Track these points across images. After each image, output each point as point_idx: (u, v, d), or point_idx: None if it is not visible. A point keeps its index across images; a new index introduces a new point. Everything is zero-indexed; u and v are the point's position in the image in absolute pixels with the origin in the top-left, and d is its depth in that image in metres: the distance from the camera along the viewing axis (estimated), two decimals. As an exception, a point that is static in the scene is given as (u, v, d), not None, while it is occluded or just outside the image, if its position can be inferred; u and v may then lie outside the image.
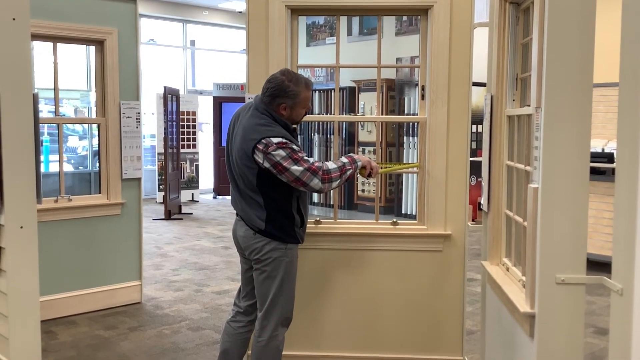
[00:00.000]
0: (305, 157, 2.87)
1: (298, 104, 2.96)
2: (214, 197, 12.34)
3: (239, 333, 3.21)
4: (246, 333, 3.21)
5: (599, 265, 5.19)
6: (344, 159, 3.02)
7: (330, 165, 2.94)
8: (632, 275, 1.58)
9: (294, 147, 2.86)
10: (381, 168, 3.30)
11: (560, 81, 2.08)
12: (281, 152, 2.83)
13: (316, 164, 2.88)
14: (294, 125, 3.06)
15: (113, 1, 4.81)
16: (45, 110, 9.92)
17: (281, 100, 2.93)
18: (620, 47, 1.64)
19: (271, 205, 2.96)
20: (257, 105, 2.97)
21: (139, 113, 4.98)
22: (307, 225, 3.57)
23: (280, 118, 2.95)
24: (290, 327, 3.12)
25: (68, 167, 11.07)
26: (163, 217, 9.67)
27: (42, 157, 2.75)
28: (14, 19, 2.22)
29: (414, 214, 8.44)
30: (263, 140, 2.84)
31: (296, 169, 2.83)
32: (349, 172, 2.98)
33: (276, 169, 2.84)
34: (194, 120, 11.74)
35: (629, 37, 1.60)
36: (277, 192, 2.95)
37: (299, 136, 3.24)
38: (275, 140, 2.84)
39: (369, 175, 3.09)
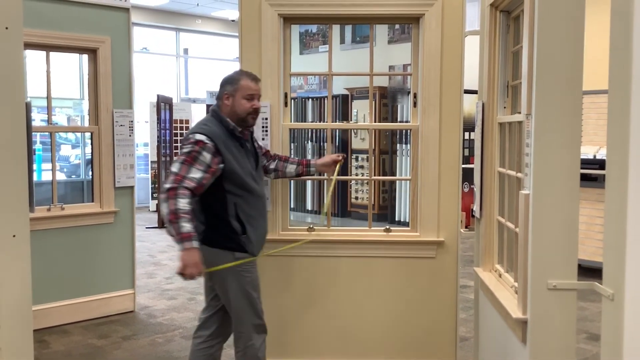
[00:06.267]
0: (194, 170, 2.76)
1: (238, 91, 2.96)
2: (208, 205, 12.31)
3: (199, 349, 3.10)
4: (206, 349, 3.09)
5: (592, 272, 5.22)
6: (185, 229, 2.69)
7: (180, 204, 2.70)
8: (622, 280, 1.59)
9: (202, 156, 2.79)
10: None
11: (551, 88, 2.10)
12: (188, 148, 2.82)
13: (185, 182, 2.73)
14: (249, 127, 3.01)
15: (106, 10, 4.81)
16: (38, 118, 9.90)
17: (224, 89, 2.99)
18: (609, 54, 1.66)
19: (207, 210, 2.93)
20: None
21: (132, 121, 4.98)
22: (301, 232, 3.58)
23: (225, 119, 2.95)
24: (284, 334, 3.12)
25: (61, 176, 11.04)
26: (156, 225, 9.64)
27: (34, 166, 2.75)
28: (6, 28, 2.22)
29: (407, 221, 8.46)
30: (190, 135, 2.88)
31: (176, 166, 2.78)
32: (169, 227, 2.72)
33: (175, 157, 2.84)
34: (187, 128, 11.74)
35: (617, 44, 1.62)
36: (210, 196, 2.89)
37: (255, 142, 3.17)
38: (198, 137, 2.85)
39: (181, 274, 2.75)
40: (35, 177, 2.49)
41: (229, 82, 3.00)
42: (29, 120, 2.34)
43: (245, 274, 2.98)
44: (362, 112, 9.66)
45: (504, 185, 2.94)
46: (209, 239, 2.90)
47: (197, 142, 2.82)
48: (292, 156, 3.47)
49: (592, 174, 5.97)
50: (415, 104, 3.54)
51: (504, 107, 2.98)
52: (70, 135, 12.33)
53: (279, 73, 3.49)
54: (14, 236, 2.29)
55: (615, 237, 1.63)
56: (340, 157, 3.38)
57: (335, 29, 9.97)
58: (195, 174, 2.78)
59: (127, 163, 4.96)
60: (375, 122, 8.56)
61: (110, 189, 4.90)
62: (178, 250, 2.74)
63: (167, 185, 2.75)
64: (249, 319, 3.00)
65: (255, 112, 3.01)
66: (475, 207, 3.22)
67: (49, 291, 4.64)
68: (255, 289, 3.03)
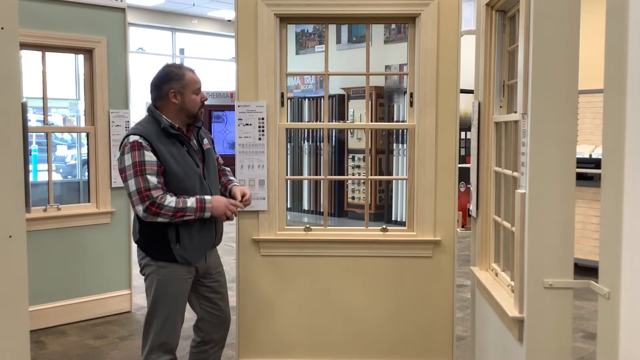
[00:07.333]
0: (150, 177, 2.68)
1: (186, 87, 2.82)
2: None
3: (192, 353, 3.13)
4: (198, 354, 3.10)
5: (588, 271, 5.24)
6: (193, 204, 2.73)
7: (172, 203, 2.69)
8: (618, 278, 1.60)
9: (146, 157, 2.70)
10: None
11: (546, 87, 2.11)
12: (128, 158, 2.69)
13: (152, 192, 2.66)
14: (196, 123, 2.91)
15: (102, 10, 4.81)
16: (34, 119, 9.88)
17: (168, 86, 2.81)
18: (604, 53, 1.66)
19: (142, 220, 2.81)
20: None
21: (128, 121, 4.97)
22: (298, 232, 3.58)
23: (159, 117, 2.80)
24: (282, 334, 3.09)
25: (57, 176, 11.01)
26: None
27: (30, 167, 2.74)
28: (2, 28, 2.22)
29: (403, 220, 8.46)
30: (124, 139, 2.77)
31: (131, 184, 2.69)
32: (185, 218, 2.73)
33: (121, 176, 2.74)
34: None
35: (612, 43, 1.62)
36: None
37: (205, 138, 3.05)
38: (131, 138, 2.72)
39: (227, 218, 2.85)
40: (31, 178, 2.49)
41: (173, 79, 2.82)
42: (25, 120, 2.34)
43: (171, 288, 2.86)
44: (359, 111, 9.68)
45: (500, 185, 2.94)
46: (142, 245, 2.85)
47: (133, 144, 2.71)
48: (228, 175, 3.24)
49: (588, 173, 5.99)
50: (411, 104, 3.54)
51: (500, 107, 2.99)
52: (66, 136, 12.31)
53: (276, 73, 3.49)
54: (10, 237, 2.29)
55: (611, 236, 1.63)
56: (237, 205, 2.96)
57: (332, 28, 9.98)
58: (152, 179, 2.70)
59: (123, 163, 4.95)
60: (371, 121, 8.58)
61: (107, 190, 4.89)
62: (208, 214, 2.79)
63: (142, 208, 2.67)
64: (157, 333, 2.87)
65: (203, 104, 2.90)
66: (472, 207, 3.22)
67: (46, 292, 4.63)
68: (172, 301, 2.87)
